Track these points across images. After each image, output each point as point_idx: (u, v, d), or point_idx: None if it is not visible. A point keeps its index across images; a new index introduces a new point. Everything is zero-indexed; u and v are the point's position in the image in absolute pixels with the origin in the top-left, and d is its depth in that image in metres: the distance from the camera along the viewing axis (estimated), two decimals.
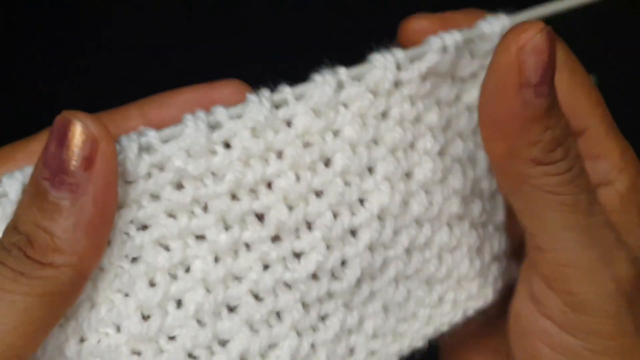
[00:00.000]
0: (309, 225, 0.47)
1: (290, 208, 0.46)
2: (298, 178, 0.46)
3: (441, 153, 0.51)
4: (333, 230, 0.47)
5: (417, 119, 0.50)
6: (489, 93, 0.43)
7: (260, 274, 0.46)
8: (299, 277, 0.47)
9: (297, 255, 0.47)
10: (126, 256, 0.45)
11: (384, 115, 0.48)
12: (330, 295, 0.49)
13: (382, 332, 0.53)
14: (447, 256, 0.53)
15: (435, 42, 0.47)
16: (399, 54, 0.47)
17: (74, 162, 0.39)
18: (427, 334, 0.54)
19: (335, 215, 0.47)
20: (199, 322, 0.46)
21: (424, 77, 0.48)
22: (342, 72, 0.47)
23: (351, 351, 0.52)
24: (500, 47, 0.41)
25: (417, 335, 0.54)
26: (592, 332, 0.45)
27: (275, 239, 0.47)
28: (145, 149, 0.45)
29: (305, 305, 0.49)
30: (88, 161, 0.40)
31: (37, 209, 0.41)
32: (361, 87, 0.47)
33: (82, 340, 0.45)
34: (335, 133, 0.47)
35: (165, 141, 0.44)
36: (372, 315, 0.52)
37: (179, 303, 0.46)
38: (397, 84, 0.48)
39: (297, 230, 0.47)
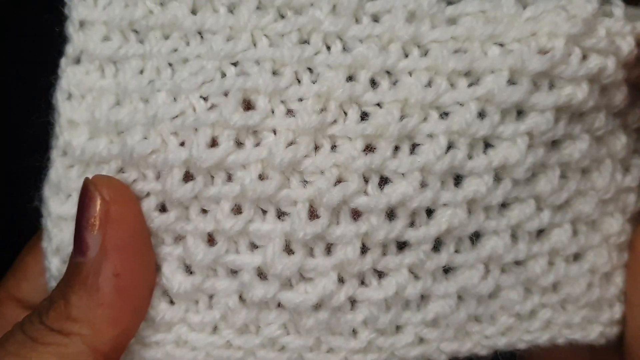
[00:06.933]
0: (412, 147, 0.41)
1: (403, 117, 0.41)
2: (430, 83, 0.41)
3: (599, 140, 0.43)
4: (437, 164, 0.40)
5: (605, 90, 0.41)
6: None
7: (326, 186, 0.42)
8: (375, 206, 0.41)
9: (384, 181, 0.42)
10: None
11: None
12: (398, 245, 0.43)
13: (445, 322, 0.45)
14: (561, 264, 0.45)
15: None
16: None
17: (85, 225, 0.38)
18: (497, 345, 0.46)
19: (447, 147, 0.40)
20: (209, 240, 0.43)
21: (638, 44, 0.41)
22: None
23: (397, 329, 0.45)
24: None
25: (484, 342, 0.46)
26: None
27: (368, 148, 0.41)
28: None
29: (363, 247, 0.43)
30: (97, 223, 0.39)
31: (64, 277, 0.39)
32: (542, 8, 0.41)
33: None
34: (501, 48, 0.39)
35: None
36: (441, 298, 0.44)
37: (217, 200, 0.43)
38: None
39: (396, 149, 0.41)
